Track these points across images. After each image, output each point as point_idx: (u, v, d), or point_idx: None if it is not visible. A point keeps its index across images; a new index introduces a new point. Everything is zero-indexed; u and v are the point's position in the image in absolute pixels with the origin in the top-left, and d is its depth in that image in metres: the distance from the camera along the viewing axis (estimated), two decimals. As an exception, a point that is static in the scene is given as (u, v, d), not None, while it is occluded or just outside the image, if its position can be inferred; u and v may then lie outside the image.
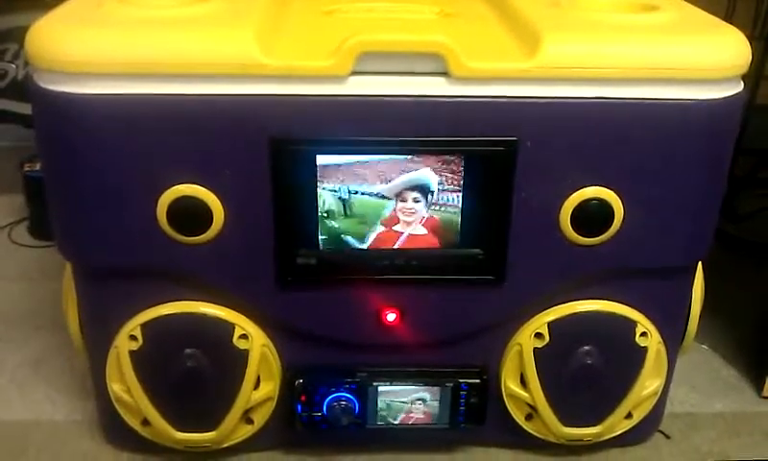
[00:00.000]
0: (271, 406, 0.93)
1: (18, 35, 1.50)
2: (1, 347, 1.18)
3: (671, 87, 0.77)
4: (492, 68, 0.76)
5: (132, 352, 0.88)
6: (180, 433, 0.92)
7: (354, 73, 0.76)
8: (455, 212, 0.82)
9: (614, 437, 0.98)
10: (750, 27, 1.63)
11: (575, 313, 0.89)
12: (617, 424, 0.96)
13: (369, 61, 0.75)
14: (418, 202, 0.82)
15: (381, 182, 0.80)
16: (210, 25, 0.77)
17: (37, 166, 1.42)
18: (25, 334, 1.20)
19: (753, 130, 1.54)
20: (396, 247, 0.84)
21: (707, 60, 0.78)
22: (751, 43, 0.82)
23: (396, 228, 0.83)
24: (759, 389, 1.12)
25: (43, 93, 0.76)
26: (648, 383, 0.94)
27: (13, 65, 1.52)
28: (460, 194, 0.81)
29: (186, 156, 0.78)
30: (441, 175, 0.80)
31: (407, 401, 0.93)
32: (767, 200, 1.61)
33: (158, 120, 0.76)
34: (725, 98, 0.79)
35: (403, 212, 0.82)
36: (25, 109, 1.52)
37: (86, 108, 0.75)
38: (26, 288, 1.32)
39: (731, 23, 0.83)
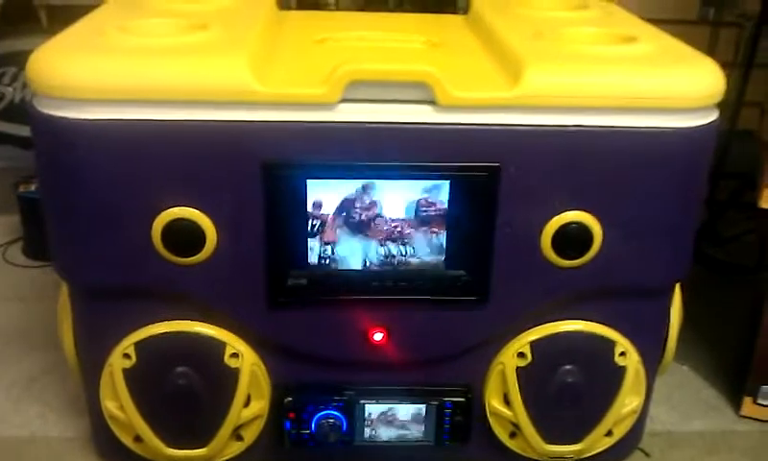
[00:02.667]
0: (260, 424, 0.95)
1: (15, 59, 1.52)
2: (-5, 365, 1.19)
3: (648, 116, 0.80)
4: (476, 97, 0.79)
5: (125, 370, 0.89)
6: (171, 449, 0.94)
7: (344, 100, 0.78)
8: (441, 235, 0.85)
9: (596, 454, 1.00)
10: (733, 53, 1.68)
11: (556, 333, 0.91)
12: (598, 441, 0.98)
13: (358, 90, 0.78)
14: (408, 225, 0.85)
15: (369, 206, 0.83)
16: (205, 54, 0.80)
17: (32, 187, 1.44)
18: (19, 353, 1.22)
19: (735, 154, 1.57)
20: (383, 268, 0.86)
21: (682, 90, 0.81)
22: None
23: (385, 249, 0.86)
24: (738, 409, 1.14)
25: (43, 118, 0.78)
26: (627, 401, 0.96)
27: (10, 88, 1.54)
28: (445, 218, 0.84)
29: (181, 179, 0.80)
30: (427, 199, 0.83)
31: (393, 419, 0.95)
32: (750, 223, 1.63)
33: (154, 145, 0.78)
34: (700, 126, 0.82)
35: (393, 234, 0.85)
36: (21, 130, 1.54)
37: (85, 132, 0.77)
38: (20, 308, 1.34)
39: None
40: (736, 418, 1.14)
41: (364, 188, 0.82)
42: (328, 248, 0.85)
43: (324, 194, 0.82)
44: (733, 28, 1.66)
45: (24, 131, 1.53)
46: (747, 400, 1.13)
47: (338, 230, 0.84)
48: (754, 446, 1.09)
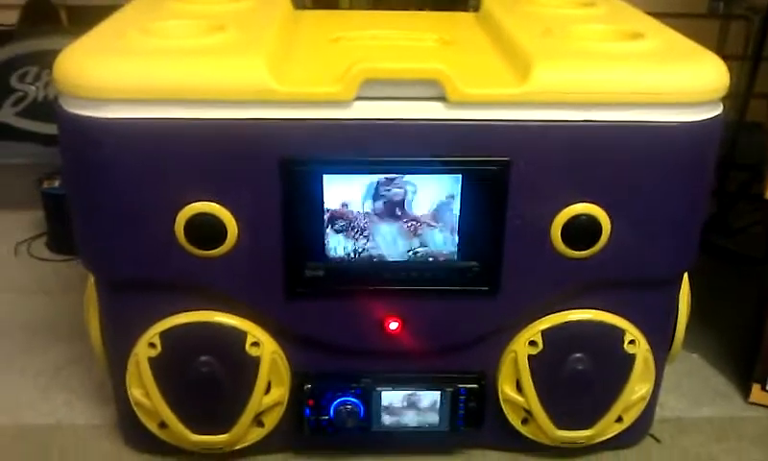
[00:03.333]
0: (281, 410, 0.98)
1: (38, 58, 1.55)
2: (23, 355, 1.22)
3: (654, 111, 0.82)
4: (486, 94, 0.81)
5: (150, 359, 0.93)
6: (195, 435, 0.97)
7: (358, 98, 0.81)
8: (453, 228, 0.88)
9: (607, 440, 1.02)
10: (742, 46, 1.69)
11: (567, 322, 0.94)
12: (608, 427, 1.00)
13: (372, 87, 0.80)
14: (420, 215, 0.87)
15: (382, 201, 0.86)
16: (225, 54, 0.82)
17: (55, 183, 1.48)
18: (45, 343, 1.25)
19: (745, 145, 1.59)
20: (397, 260, 0.89)
21: (687, 85, 0.83)
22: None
23: (399, 242, 0.89)
24: (747, 396, 1.16)
25: (70, 117, 0.81)
26: (637, 388, 0.98)
27: (33, 87, 1.56)
28: (458, 210, 0.87)
29: (202, 175, 0.83)
30: (439, 193, 0.86)
31: (409, 405, 0.98)
32: (759, 214, 1.65)
33: (177, 143, 0.81)
34: (705, 120, 0.84)
35: (407, 227, 0.88)
36: (44, 128, 1.56)
37: (110, 131, 0.80)
38: (45, 300, 1.37)
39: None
40: (745, 405, 1.16)
41: (377, 183, 0.85)
42: (344, 241, 0.88)
43: (340, 189, 0.85)
44: (743, 21, 1.68)
45: (46, 128, 1.56)
46: (755, 387, 1.15)
47: (352, 224, 0.87)
48: (762, 432, 1.11)
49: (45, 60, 1.51)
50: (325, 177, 0.84)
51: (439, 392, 0.97)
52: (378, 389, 0.96)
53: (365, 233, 0.87)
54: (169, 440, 0.99)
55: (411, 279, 0.90)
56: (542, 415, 0.98)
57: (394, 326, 0.92)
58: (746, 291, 1.35)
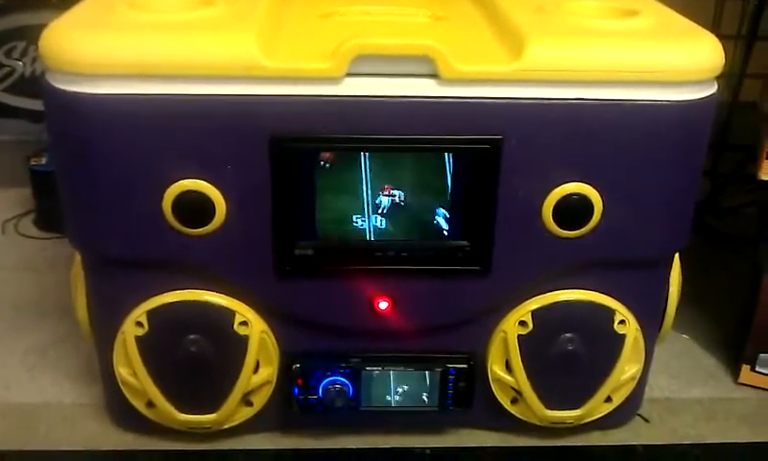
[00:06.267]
0: (269, 390, 0.97)
1: (25, 33, 1.53)
2: (11, 333, 1.22)
3: (648, 89, 0.82)
4: (478, 70, 0.80)
5: (138, 338, 0.92)
6: (182, 415, 0.96)
7: (350, 75, 0.80)
8: (444, 206, 0.87)
9: (596, 420, 1.02)
10: (737, 25, 1.68)
11: (557, 302, 0.93)
12: (598, 407, 1.00)
13: (363, 64, 0.79)
14: (409, 194, 0.87)
15: (374, 178, 0.85)
16: (214, 29, 0.81)
17: (43, 160, 1.47)
18: (33, 322, 1.24)
19: (739, 126, 1.58)
20: (387, 239, 0.89)
21: (681, 64, 0.82)
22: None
23: (389, 220, 0.88)
24: (736, 377, 1.16)
25: (56, 93, 0.80)
26: (626, 368, 0.98)
27: (20, 63, 1.55)
28: (449, 189, 0.86)
29: (191, 152, 0.82)
30: (429, 170, 0.85)
31: (398, 385, 0.97)
32: (752, 195, 1.64)
33: (165, 119, 0.80)
34: (699, 99, 0.83)
35: (397, 205, 0.87)
36: (32, 104, 1.55)
37: (97, 107, 0.79)
38: (33, 278, 1.36)
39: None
40: (734, 386, 1.16)
41: (368, 160, 0.84)
42: (333, 219, 0.87)
43: (329, 166, 0.84)
44: (738, 0, 1.67)
45: (34, 104, 1.55)
46: (745, 368, 1.15)
47: (342, 202, 0.86)
48: (751, 412, 1.11)
49: (33, 34, 1.48)
50: (316, 155, 0.83)
51: (428, 372, 0.96)
52: (367, 368, 0.96)
53: (355, 212, 0.86)
54: (157, 419, 0.98)
55: (401, 259, 0.89)
56: (532, 395, 0.97)
57: (383, 305, 0.91)
58: (737, 272, 1.35)
